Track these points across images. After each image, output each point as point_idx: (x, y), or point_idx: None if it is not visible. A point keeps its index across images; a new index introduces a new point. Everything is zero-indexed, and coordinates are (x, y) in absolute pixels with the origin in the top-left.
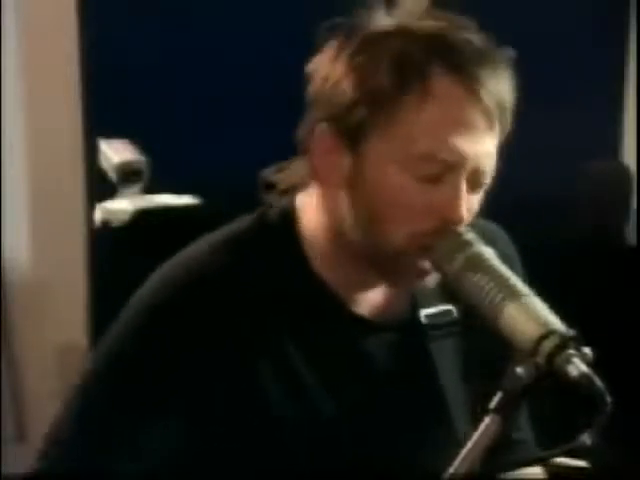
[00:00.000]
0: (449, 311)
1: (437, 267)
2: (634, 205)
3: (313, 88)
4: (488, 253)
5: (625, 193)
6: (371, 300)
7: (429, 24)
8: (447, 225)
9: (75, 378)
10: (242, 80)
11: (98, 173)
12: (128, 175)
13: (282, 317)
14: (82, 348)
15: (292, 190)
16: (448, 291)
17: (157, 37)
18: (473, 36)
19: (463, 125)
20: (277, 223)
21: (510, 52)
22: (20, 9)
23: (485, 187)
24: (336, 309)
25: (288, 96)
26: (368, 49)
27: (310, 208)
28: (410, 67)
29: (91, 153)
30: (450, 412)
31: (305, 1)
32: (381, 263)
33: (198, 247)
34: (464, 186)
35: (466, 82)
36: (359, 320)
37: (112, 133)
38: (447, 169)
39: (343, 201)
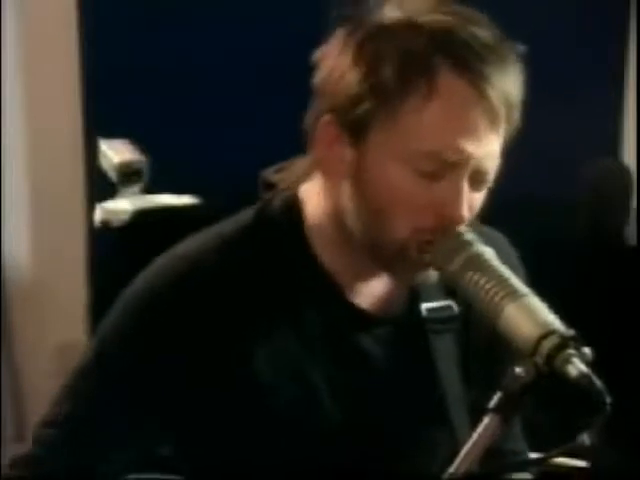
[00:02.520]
0: (450, 306)
1: (437, 267)
2: (634, 205)
3: (319, 78)
4: (488, 253)
5: (625, 193)
6: (371, 292)
7: (436, 18)
8: (447, 223)
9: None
10: (242, 80)
11: (98, 173)
12: (128, 175)
13: (283, 305)
14: (82, 348)
15: (292, 189)
16: (449, 286)
17: (157, 37)
18: (481, 31)
19: (467, 124)
20: (280, 212)
21: (520, 47)
22: (20, 9)
23: (488, 186)
24: (337, 299)
25: (288, 96)
26: (374, 42)
27: (314, 197)
28: (415, 63)
29: (91, 153)
30: (448, 405)
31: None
32: (381, 255)
33: (197, 239)
34: (466, 185)
35: (472, 79)
36: (359, 311)
37: (112, 133)
38: (449, 167)
39: (345, 192)
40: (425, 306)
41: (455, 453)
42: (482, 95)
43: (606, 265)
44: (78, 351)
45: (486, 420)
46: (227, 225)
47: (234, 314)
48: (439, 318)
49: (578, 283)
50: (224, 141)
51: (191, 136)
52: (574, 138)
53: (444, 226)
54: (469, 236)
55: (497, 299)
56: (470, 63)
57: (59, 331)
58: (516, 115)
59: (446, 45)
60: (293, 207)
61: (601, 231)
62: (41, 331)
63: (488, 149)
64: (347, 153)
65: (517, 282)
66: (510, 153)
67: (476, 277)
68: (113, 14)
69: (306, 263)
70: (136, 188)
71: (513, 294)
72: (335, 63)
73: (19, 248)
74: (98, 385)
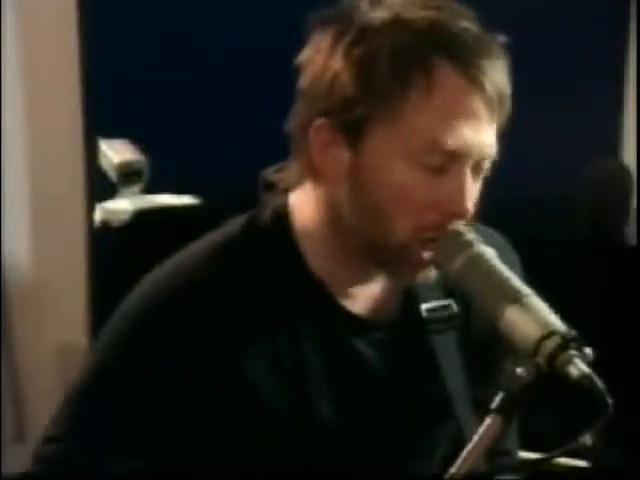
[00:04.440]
0: (449, 305)
1: (438, 267)
2: (634, 205)
3: (307, 80)
4: (489, 253)
5: (625, 193)
6: (366, 296)
7: (426, 14)
8: (453, 218)
9: (75, 378)
10: (242, 80)
11: (98, 173)
12: (128, 175)
13: (276, 314)
14: (82, 348)
15: (292, 190)
16: (448, 286)
17: (157, 37)
18: (469, 24)
19: (467, 115)
20: (270, 222)
21: (502, 38)
22: (20, 9)
23: (484, 174)
24: (330, 306)
25: (288, 96)
26: (366, 41)
27: (304, 206)
28: (410, 60)
29: (91, 153)
30: (454, 404)
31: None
32: (383, 256)
33: (189, 251)
34: (469, 178)
35: (467, 71)
36: (353, 317)
37: (112, 133)
38: (452, 159)
39: (342, 196)
40: (424, 306)
41: (458, 451)
42: (478, 86)
43: (606, 265)
44: (78, 351)
45: (488, 420)
46: (217, 236)
47: (228, 325)
48: (439, 318)
49: (578, 283)
50: (224, 141)
51: (191, 136)
52: (574, 138)
53: (447, 222)
54: (470, 236)
55: (498, 299)
56: (466, 57)
57: (59, 331)
58: (507, 105)
59: (438, 39)
60: (282, 216)
61: (601, 231)
62: (41, 331)
63: (487, 138)
64: (344, 156)
65: (518, 282)
66: (510, 153)
67: (477, 277)
68: (113, 14)
69: (297, 272)
70: (136, 188)
71: (514, 294)
72: (324, 65)
73: (19, 248)
74: (98, 401)
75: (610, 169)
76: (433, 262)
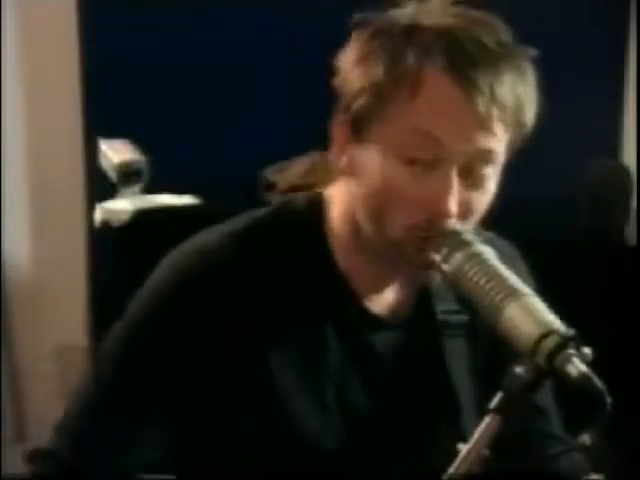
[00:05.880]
0: (461, 310)
1: (437, 267)
2: (634, 205)
3: (337, 81)
4: (488, 253)
5: (625, 193)
6: (383, 296)
7: (442, 21)
8: (437, 216)
9: (75, 379)
10: (242, 80)
11: (98, 173)
12: (128, 175)
13: (297, 305)
14: (82, 348)
15: (293, 190)
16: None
17: (157, 37)
18: (485, 34)
19: (451, 119)
20: (304, 209)
21: (532, 51)
22: (20, 9)
23: (489, 188)
24: (351, 303)
25: (288, 96)
26: (375, 41)
27: (337, 199)
28: (404, 62)
29: (91, 153)
30: (461, 406)
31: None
32: (388, 255)
33: (211, 233)
34: (455, 179)
35: (458, 81)
36: (372, 315)
37: (112, 133)
38: (437, 157)
39: (354, 192)
40: (440, 308)
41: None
42: (468, 97)
43: (606, 265)
44: (78, 352)
45: (487, 420)
46: (240, 221)
47: (249, 310)
48: (452, 321)
49: (578, 283)
50: (224, 141)
51: (191, 136)
52: (574, 138)
53: (434, 221)
54: (468, 236)
55: (497, 299)
56: (459, 65)
57: (59, 331)
58: (523, 118)
59: (438, 46)
60: (317, 207)
61: (601, 231)
62: (41, 331)
63: (476, 146)
64: (355, 153)
65: (517, 282)
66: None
67: (476, 277)
68: (113, 13)
69: (324, 265)
70: (136, 188)
71: (513, 294)
72: (347, 66)
73: (19, 248)
74: (112, 390)
75: (610, 169)
76: (431, 263)
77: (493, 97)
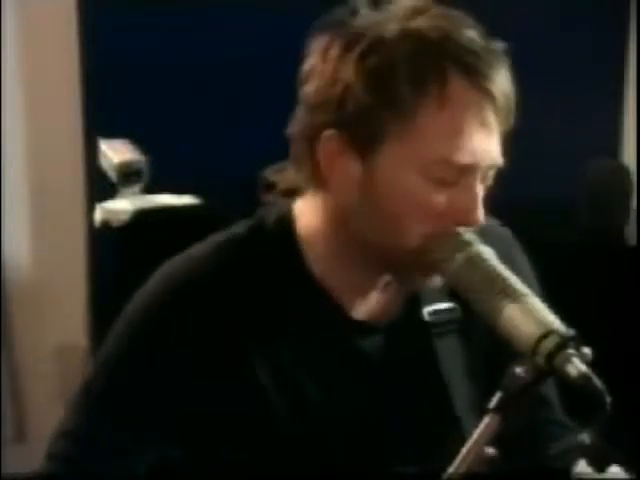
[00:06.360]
0: (452, 308)
1: (437, 267)
2: (634, 205)
3: (313, 90)
4: (488, 253)
5: (625, 193)
6: (368, 302)
7: (434, 25)
8: (465, 226)
9: (75, 379)
10: (242, 80)
11: (98, 173)
12: (128, 175)
13: (279, 320)
14: (82, 349)
15: (292, 191)
16: (452, 288)
17: (157, 37)
18: (474, 33)
19: (480, 127)
20: (274, 227)
21: (501, 45)
22: (20, 9)
23: (490, 180)
24: (334, 313)
25: (288, 96)
26: (380, 52)
27: (308, 213)
28: (428, 71)
29: (91, 153)
30: (455, 409)
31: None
32: (393, 263)
33: (199, 249)
34: (480, 188)
35: (480, 83)
36: (356, 323)
37: (112, 133)
38: (463, 172)
39: (351, 205)
40: (427, 309)
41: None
42: (490, 97)
43: (606, 265)
44: (78, 352)
45: (486, 420)
46: (221, 237)
47: (231, 328)
48: (442, 320)
49: (578, 283)
50: (224, 141)
51: (191, 136)
52: (574, 138)
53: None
54: (468, 236)
55: (497, 299)
56: (477, 67)
57: (59, 331)
58: (513, 111)
59: (453, 52)
60: (286, 222)
61: (601, 231)
62: (41, 331)
63: (497, 146)
64: (354, 167)
65: (517, 282)
66: (510, 153)
67: (475, 277)
68: (113, 13)
69: (299, 277)
70: (136, 188)
71: (513, 294)
72: (333, 76)
73: (19, 248)
74: (106, 397)
75: (610, 169)
76: (434, 269)
77: (505, 92)
